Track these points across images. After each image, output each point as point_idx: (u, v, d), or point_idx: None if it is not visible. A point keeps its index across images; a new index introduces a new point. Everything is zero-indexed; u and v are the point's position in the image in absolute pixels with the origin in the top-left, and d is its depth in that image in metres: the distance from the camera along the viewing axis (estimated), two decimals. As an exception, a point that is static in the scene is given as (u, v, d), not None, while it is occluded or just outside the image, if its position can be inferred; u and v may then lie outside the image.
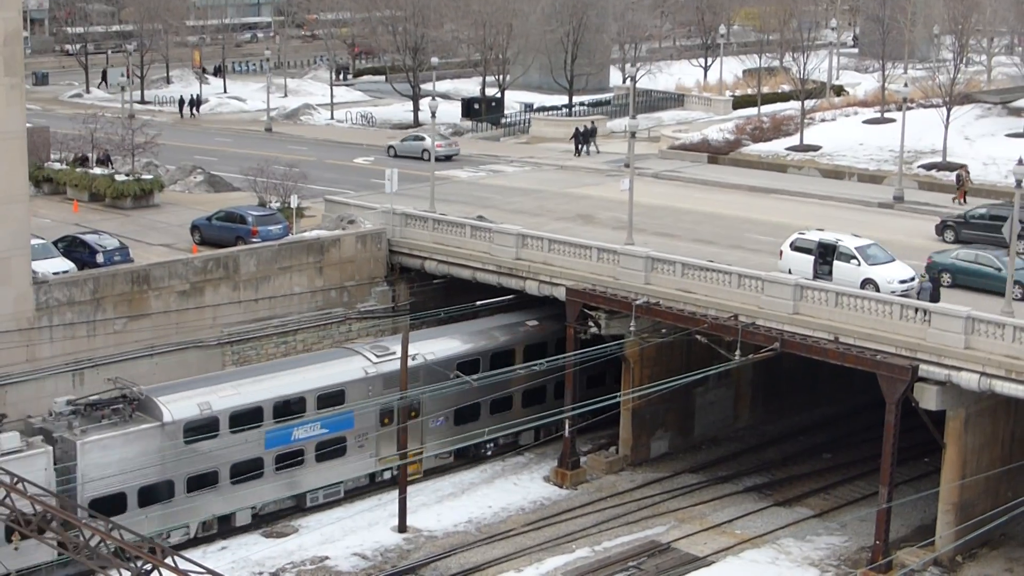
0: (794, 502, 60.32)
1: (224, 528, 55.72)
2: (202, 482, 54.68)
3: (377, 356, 59.79)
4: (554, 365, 59.70)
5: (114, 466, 51.35)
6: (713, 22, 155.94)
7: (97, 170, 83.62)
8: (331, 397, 58.00)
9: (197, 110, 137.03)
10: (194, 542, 53.87)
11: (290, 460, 56.98)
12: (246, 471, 55.47)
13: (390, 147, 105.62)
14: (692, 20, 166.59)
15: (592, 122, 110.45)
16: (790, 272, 57.15)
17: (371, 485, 60.48)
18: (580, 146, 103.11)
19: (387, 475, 60.20)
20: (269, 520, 57.19)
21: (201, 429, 54.40)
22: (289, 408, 56.83)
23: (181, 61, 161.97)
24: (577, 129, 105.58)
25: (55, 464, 49.98)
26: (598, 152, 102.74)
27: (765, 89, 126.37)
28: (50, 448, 50.47)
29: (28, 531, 37.67)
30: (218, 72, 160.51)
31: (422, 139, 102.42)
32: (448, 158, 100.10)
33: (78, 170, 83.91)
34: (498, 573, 53.26)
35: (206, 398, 54.90)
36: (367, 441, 59.42)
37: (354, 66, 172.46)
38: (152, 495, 53.28)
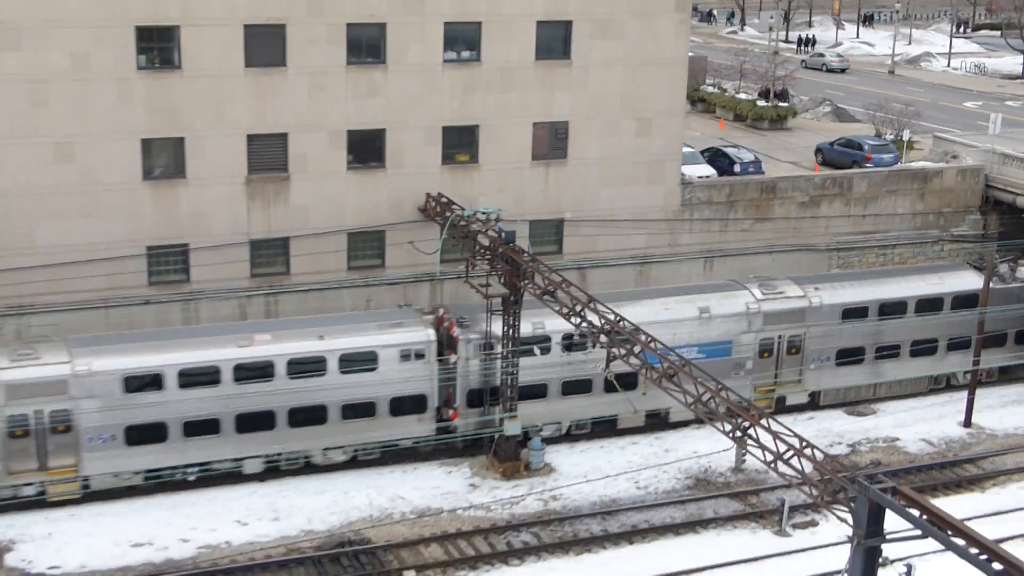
0: None
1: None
2: None
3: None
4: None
5: None
6: None
7: (743, 96, 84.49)
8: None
9: (813, 46, 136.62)
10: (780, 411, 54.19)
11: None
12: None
13: (802, 61, 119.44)
14: None
15: None
16: None
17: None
18: None
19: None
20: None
21: None
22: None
23: (823, 9, 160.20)
24: None
25: None
26: None
27: None
28: None
29: (655, 381, 38.99)
30: (867, 21, 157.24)
31: (822, 55, 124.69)
32: (842, 71, 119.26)
33: (725, 94, 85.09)
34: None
35: None
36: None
37: (974, 20, 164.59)
38: None
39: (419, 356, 48.45)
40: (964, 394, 55.76)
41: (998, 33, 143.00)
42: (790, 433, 33.83)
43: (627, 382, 45.54)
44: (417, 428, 49.19)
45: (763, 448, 33.89)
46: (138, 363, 45.32)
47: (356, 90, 51.14)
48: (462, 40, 52.30)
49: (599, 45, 54.34)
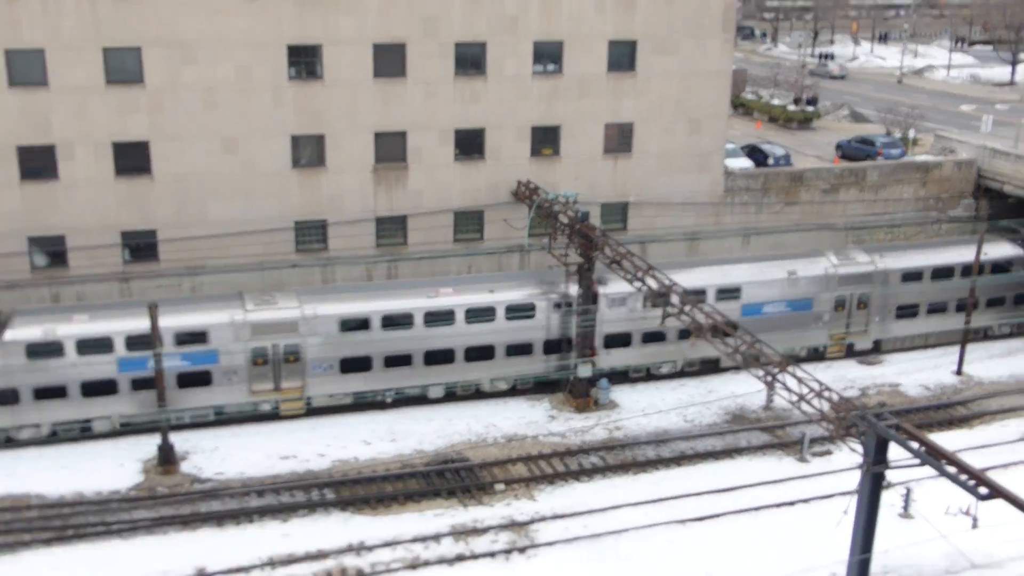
0: None
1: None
2: None
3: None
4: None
5: None
6: None
7: (776, 101, 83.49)
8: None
9: (831, 59, 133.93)
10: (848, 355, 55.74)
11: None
12: None
13: (810, 70, 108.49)
14: None
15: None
16: None
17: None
18: None
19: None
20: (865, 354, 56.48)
21: None
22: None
23: (844, 29, 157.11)
24: None
25: None
26: None
27: None
28: None
29: (703, 336, 39.01)
30: (882, 38, 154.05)
31: (826, 66, 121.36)
32: (842, 77, 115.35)
33: (762, 100, 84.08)
34: (1026, 415, 50.18)
35: None
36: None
37: (970, 37, 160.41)
38: None
39: (566, 306, 49.12)
40: (957, 348, 55.09)
41: (991, 47, 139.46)
42: (811, 379, 33.74)
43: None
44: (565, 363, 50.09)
45: (789, 390, 33.85)
46: (351, 309, 47.07)
47: (462, 96, 51.32)
48: (548, 56, 52.20)
49: (659, 60, 53.96)
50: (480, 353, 48.78)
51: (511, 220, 52.82)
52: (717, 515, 40.87)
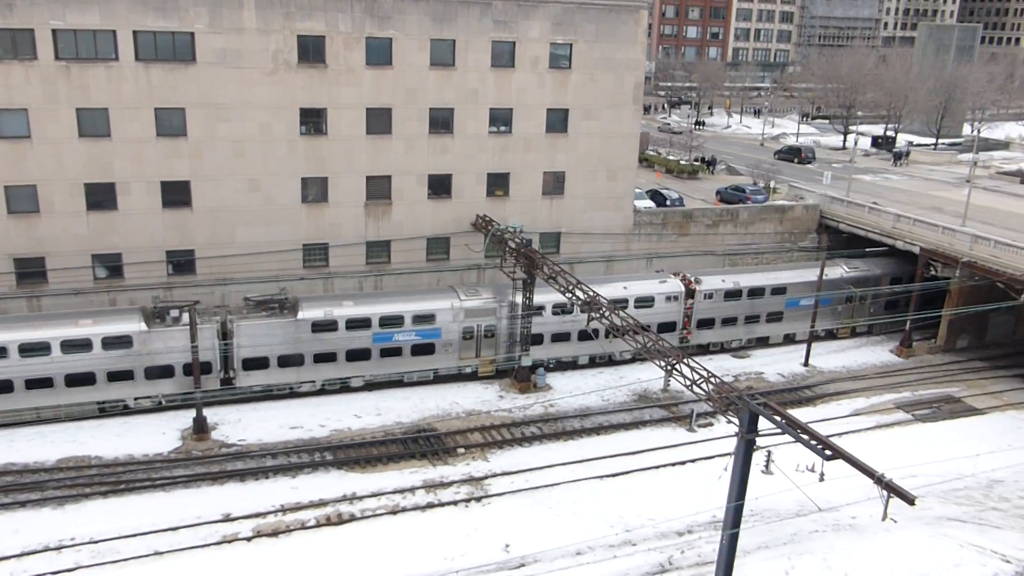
0: (1045, 388, 52.74)
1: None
2: None
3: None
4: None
5: None
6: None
7: (672, 157, 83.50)
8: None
9: (701, 127, 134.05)
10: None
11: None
12: None
13: (659, 127, 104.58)
14: None
15: (909, 149, 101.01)
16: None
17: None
18: (897, 161, 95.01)
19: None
20: (737, 349, 56.35)
21: None
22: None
23: (719, 106, 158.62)
24: (896, 151, 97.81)
25: None
26: (907, 165, 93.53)
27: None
28: None
29: (618, 334, 38.68)
30: (756, 113, 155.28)
31: (669, 125, 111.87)
32: (679, 133, 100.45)
33: (661, 156, 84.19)
34: (856, 395, 50.15)
35: None
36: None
37: (812, 113, 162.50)
38: None
39: (675, 299, 50.39)
40: (804, 345, 55.19)
41: (828, 121, 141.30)
42: (700, 367, 33.48)
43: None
44: (670, 340, 50.09)
45: (684, 376, 33.57)
46: (533, 300, 47.78)
47: (434, 149, 50.79)
48: (500, 119, 51.84)
49: (585, 124, 53.80)
50: (614, 332, 49.30)
51: (471, 245, 52.24)
52: (627, 472, 40.57)
